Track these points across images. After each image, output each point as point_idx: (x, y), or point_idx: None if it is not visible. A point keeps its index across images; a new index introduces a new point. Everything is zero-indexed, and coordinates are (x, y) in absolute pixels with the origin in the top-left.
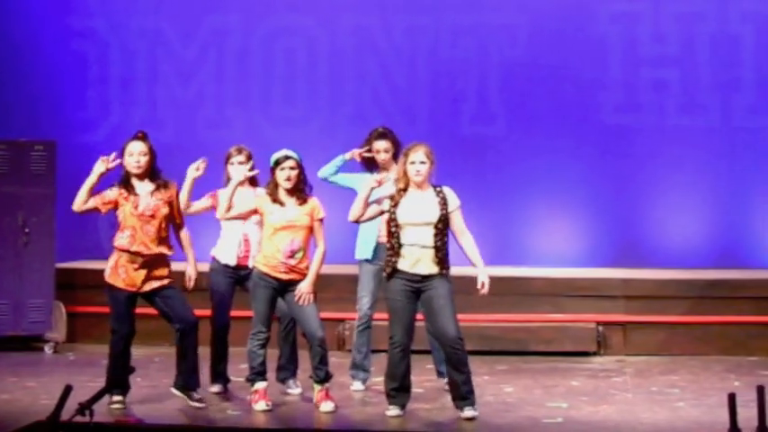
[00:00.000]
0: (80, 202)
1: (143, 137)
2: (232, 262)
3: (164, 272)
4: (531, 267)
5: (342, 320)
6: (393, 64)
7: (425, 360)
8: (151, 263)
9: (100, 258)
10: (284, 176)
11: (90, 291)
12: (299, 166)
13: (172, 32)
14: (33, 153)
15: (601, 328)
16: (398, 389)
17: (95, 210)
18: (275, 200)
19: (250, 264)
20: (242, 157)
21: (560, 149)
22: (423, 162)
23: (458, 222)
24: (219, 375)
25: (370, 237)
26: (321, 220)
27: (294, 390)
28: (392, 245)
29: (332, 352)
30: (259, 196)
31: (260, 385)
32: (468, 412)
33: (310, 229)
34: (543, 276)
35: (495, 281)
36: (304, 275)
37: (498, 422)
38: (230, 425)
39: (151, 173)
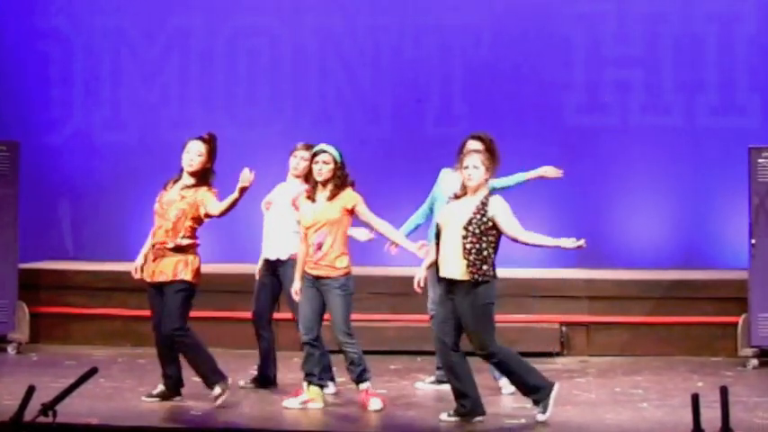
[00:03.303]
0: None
1: (207, 139)
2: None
3: (168, 268)
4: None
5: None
6: (356, 64)
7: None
8: (162, 254)
9: (63, 259)
10: (316, 170)
11: (53, 291)
12: (335, 162)
13: (135, 33)
14: None
15: (564, 328)
16: None
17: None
18: (309, 196)
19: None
20: (306, 153)
21: (524, 150)
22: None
23: None
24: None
25: None
26: (354, 208)
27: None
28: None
29: (294, 352)
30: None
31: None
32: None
33: (341, 223)
34: (507, 277)
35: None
36: (333, 269)
37: (461, 422)
38: (194, 425)
39: (202, 175)
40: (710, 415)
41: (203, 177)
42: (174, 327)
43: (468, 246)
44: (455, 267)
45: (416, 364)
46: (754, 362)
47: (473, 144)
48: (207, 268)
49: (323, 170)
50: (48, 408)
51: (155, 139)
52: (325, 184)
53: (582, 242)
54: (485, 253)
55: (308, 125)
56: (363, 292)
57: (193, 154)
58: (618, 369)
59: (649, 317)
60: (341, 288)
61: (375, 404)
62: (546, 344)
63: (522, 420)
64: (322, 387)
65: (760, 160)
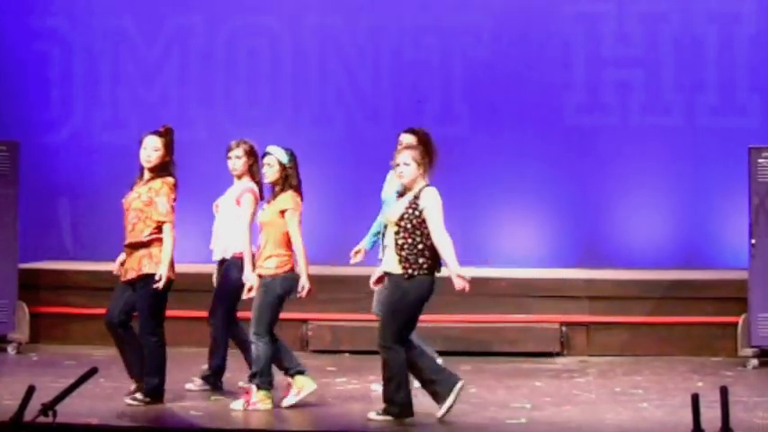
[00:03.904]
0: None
1: (162, 133)
2: None
3: (134, 264)
4: (494, 268)
5: (305, 321)
6: (357, 64)
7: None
8: (130, 252)
9: (63, 259)
10: (263, 172)
11: (53, 291)
12: (279, 164)
13: (135, 33)
14: None
15: (564, 328)
16: None
17: None
18: (268, 199)
19: None
20: (239, 151)
21: (524, 150)
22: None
23: None
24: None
25: None
26: (284, 213)
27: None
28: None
29: (295, 352)
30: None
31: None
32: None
33: (275, 225)
34: (507, 277)
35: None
36: (263, 268)
37: (461, 422)
38: (194, 425)
39: (161, 169)
40: (710, 415)
41: (163, 171)
42: (146, 330)
43: (400, 242)
44: (392, 262)
45: None
46: (754, 362)
47: (406, 138)
48: (206, 268)
49: (267, 173)
50: (48, 408)
51: None
52: (273, 186)
53: (465, 287)
54: (420, 246)
55: (307, 125)
56: (363, 292)
57: (150, 150)
58: (618, 369)
59: (649, 317)
60: (264, 287)
61: (236, 404)
62: (546, 344)
63: (522, 420)
64: (302, 372)
65: (760, 160)
